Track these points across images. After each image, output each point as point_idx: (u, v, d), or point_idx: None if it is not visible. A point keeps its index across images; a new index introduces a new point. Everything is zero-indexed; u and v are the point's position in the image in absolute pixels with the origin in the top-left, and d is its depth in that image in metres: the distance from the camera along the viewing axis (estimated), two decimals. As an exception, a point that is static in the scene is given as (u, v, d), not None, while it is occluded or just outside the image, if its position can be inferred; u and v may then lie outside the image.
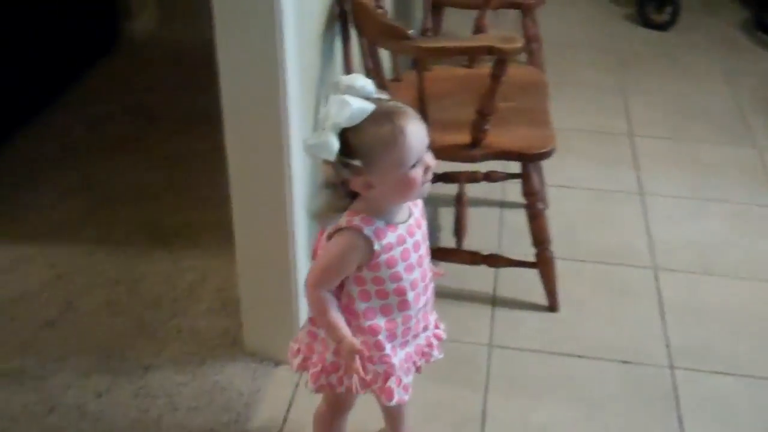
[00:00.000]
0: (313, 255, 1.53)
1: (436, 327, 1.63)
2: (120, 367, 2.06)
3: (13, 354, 2.09)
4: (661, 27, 4.05)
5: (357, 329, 1.45)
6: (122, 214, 2.64)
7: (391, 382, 1.49)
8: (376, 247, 1.38)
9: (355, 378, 1.45)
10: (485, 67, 2.07)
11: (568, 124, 3.19)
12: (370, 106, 1.33)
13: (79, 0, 3.33)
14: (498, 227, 2.62)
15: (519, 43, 1.94)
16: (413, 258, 1.44)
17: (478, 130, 2.06)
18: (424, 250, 1.49)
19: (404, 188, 1.37)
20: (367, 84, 1.36)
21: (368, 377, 1.47)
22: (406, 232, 1.43)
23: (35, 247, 2.47)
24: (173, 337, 2.16)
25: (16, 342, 2.14)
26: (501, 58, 1.95)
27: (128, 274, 2.38)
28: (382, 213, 1.40)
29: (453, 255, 2.32)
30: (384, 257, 1.40)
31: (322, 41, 2.09)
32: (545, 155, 2.13)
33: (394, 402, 1.50)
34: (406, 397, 1.52)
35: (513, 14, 3.11)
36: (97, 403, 1.95)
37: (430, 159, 1.38)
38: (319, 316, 1.45)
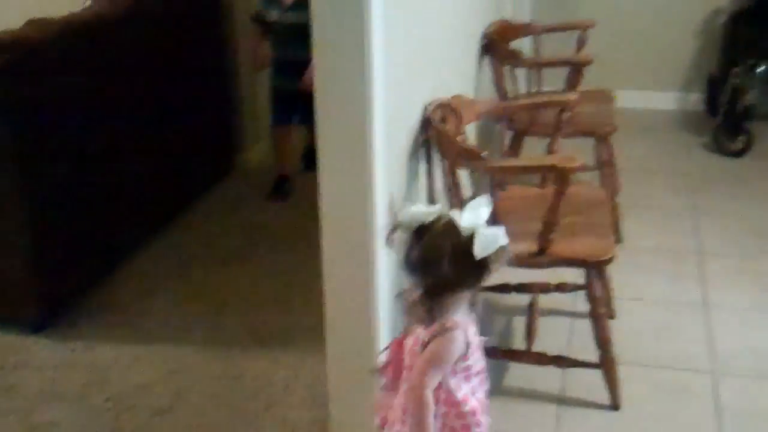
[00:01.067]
0: (390, 369, 1.73)
1: None
2: (222, 451, 2.32)
3: (128, 438, 2.39)
4: (736, 154, 4.24)
5: (458, 416, 1.63)
6: (229, 319, 2.95)
7: None
8: (469, 339, 1.61)
9: None
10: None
11: (640, 244, 3.40)
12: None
13: (201, 133, 3.79)
14: (567, 334, 2.81)
15: (578, 163, 2.20)
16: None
17: (544, 239, 2.30)
18: None
19: None
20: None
21: None
22: None
23: (152, 346, 2.80)
24: (268, 426, 2.41)
25: (132, 427, 2.43)
26: (562, 176, 2.21)
27: (231, 370, 2.67)
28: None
29: (523, 356, 2.53)
30: (473, 347, 1.63)
31: (408, 164, 2.39)
32: (605, 263, 2.35)
33: None
34: None
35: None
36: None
37: None
38: (423, 418, 1.57)
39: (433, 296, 1.58)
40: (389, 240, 1.62)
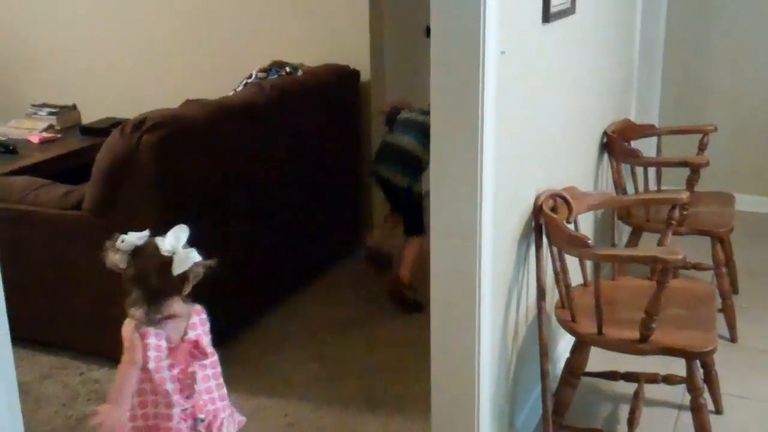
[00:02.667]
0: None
1: None
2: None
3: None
4: None
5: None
6: (345, 382, 3.16)
7: None
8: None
9: None
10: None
11: (756, 344, 3.42)
12: None
13: (332, 212, 4.09)
14: (672, 426, 2.86)
15: (679, 256, 2.31)
16: None
17: (645, 327, 2.41)
18: None
19: None
20: None
21: None
22: None
23: (273, 399, 3.03)
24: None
25: (249, 472, 2.65)
26: (664, 267, 2.33)
27: (343, 429, 2.86)
28: None
29: (623, 441, 2.61)
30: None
31: (518, 247, 2.57)
32: (705, 354, 2.43)
33: None
34: None
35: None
36: None
37: None
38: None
39: (149, 303, 1.99)
40: (108, 261, 1.98)
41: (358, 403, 3.01)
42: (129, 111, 3.11)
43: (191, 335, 2.07)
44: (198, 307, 2.11)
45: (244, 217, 3.39)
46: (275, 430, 2.86)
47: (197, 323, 2.09)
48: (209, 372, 2.12)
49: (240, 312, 3.45)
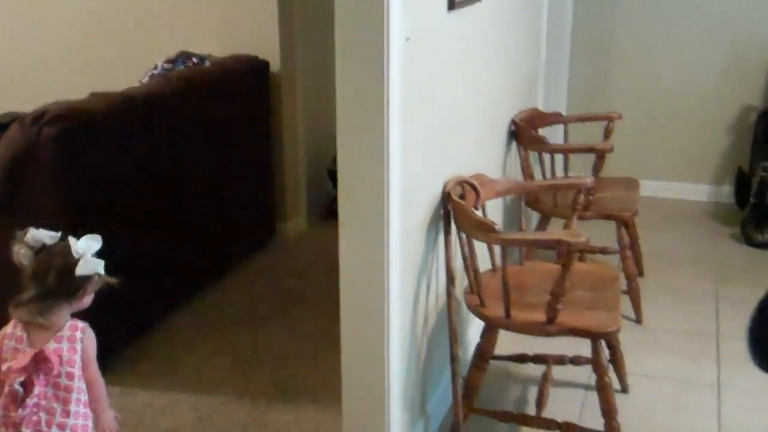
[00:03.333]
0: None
1: None
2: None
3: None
4: (763, 246, 4.34)
5: None
6: (258, 375, 3.13)
7: None
8: None
9: None
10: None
11: (660, 325, 3.52)
12: None
13: (244, 204, 4.04)
14: (580, 405, 2.92)
15: (583, 238, 2.36)
16: None
17: (551, 309, 2.45)
18: None
19: None
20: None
21: None
22: None
23: (184, 395, 2.98)
24: (287, 474, 2.57)
25: (161, 468, 2.61)
26: (568, 250, 2.37)
27: (256, 420, 2.83)
28: None
29: (532, 421, 2.65)
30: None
31: (427, 234, 2.58)
32: (609, 335, 2.49)
33: None
34: None
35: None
36: None
37: None
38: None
39: (39, 301, 1.92)
40: (14, 254, 1.93)
41: (270, 395, 2.98)
42: (31, 106, 3.01)
43: (50, 347, 1.92)
44: (82, 325, 1.99)
45: (152, 211, 3.32)
46: (185, 425, 2.81)
47: (63, 338, 1.94)
48: (61, 394, 1.94)
49: (150, 308, 3.39)
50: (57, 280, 1.92)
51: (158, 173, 3.35)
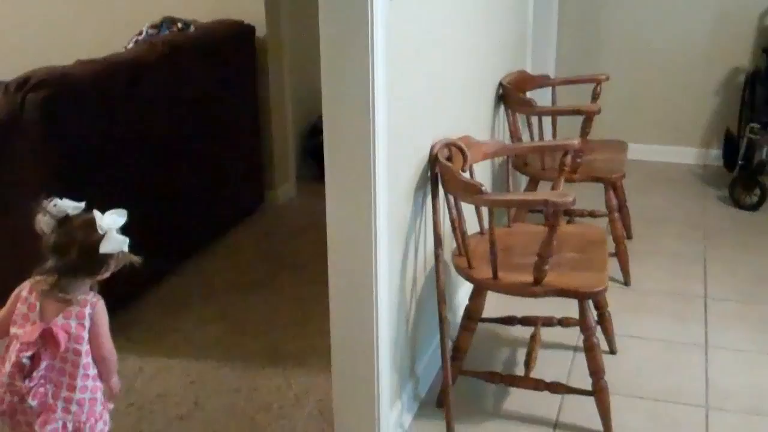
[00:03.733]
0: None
1: None
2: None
3: (149, 439, 2.58)
4: (750, 208, 4.36)
5: None
6: (248, 339, 3.14)
7: None
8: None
9: None
10: (561, 226, 2.49)
11: (648, 287, 3.55)
12: None
13: (233, 171, 4.04)
14: (569, 365, 2.95)
15: (570, 198, 2.36)
16: None
17: (538, 270, 2.46)
18: None
19: None
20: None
21: None
22: None
23: (175, 359, 3.00)
24: (278, 436, 2.59)
25: (152, 430, 2.62)
26: (555, 210, 2.38)
27: (247, 384, 2.85)
28: None
29: (520, 381, 2.67)
30: None
31: (415, 197, 2.58)
32: (596, 294, 2.50)
33: None
34: None
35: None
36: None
37: None
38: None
39: (61, 276, 1.87)
40: (36, 222, 1.87)
41: (260, 359, 3.00)
42: (15, 73, 2.98)
43: (59, 322, 1.88)
44: (93, 299, 1.93)
45: (140, 178, 3.31)
46: (177, 389, 2.83)
47: (72, 313, 1.89)
48: (68, 368, 1.91)
49: (141, 274, 3.35)
50: (80, 255, 1.86)
51: (144, 140, 3.33)
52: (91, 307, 1.91)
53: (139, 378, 2.88)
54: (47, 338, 1.87)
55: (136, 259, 1.95)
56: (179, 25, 3.91)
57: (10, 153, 2.91)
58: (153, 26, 3.91)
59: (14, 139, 2.88)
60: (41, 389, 1.89)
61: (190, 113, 3.63)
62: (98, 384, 1.96)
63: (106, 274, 1.93)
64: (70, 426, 1.91)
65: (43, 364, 1.89)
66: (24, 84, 2.86)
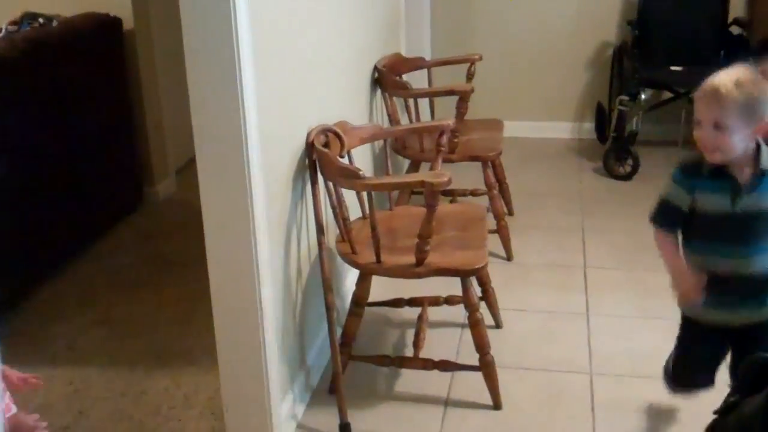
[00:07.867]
0: None
1: None
2: (120, 461, 2.42)
3: (31, 453, 2.47)
4: (624, 177, 4.52)
5: None
6: (133, 341, 3.06)
7: None
8: None
9: None
10: (441, 206, 2.51)
11: (530, 260, 3.63)
12: None
13: (108, 168, 3.91)
14: (457, 343, 2.99)
15: (445, 178, 2.38)
16: None
17: (420, 251, 2.47)
18: None
19: None
20: None
21: None
22: None
23: (57, 369, 2.89)
24: (169, 438, 2.53)
25: (35, 444, 2.52)
26: (432, 191, 2.39)
27: (133, 388, 2.77)
28: None
29: (410, 362, 2.70)
30: None
31: (293, 185, 2.56)
32: (476, 271, 2.54)
33: None
34: None
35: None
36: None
37: None
38: None
39: None
40: None
41: (147, 361, 2.93)
42: None
43: None
44: None
45: (6, 180, 3.16)
46: (61, 399, 2.73)
47: None
48: None
49: (14, 283, 3.25)
50: None
51: (6, 142, 3.18)
52: None
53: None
54: None
55: None
56: (41, 20, 3.75)
57: None
58: (12, 23, 3.73)
59: None
60: None
61: (57, 111, 3.49)
62: None
63: None
64: None
65: None
66: None
